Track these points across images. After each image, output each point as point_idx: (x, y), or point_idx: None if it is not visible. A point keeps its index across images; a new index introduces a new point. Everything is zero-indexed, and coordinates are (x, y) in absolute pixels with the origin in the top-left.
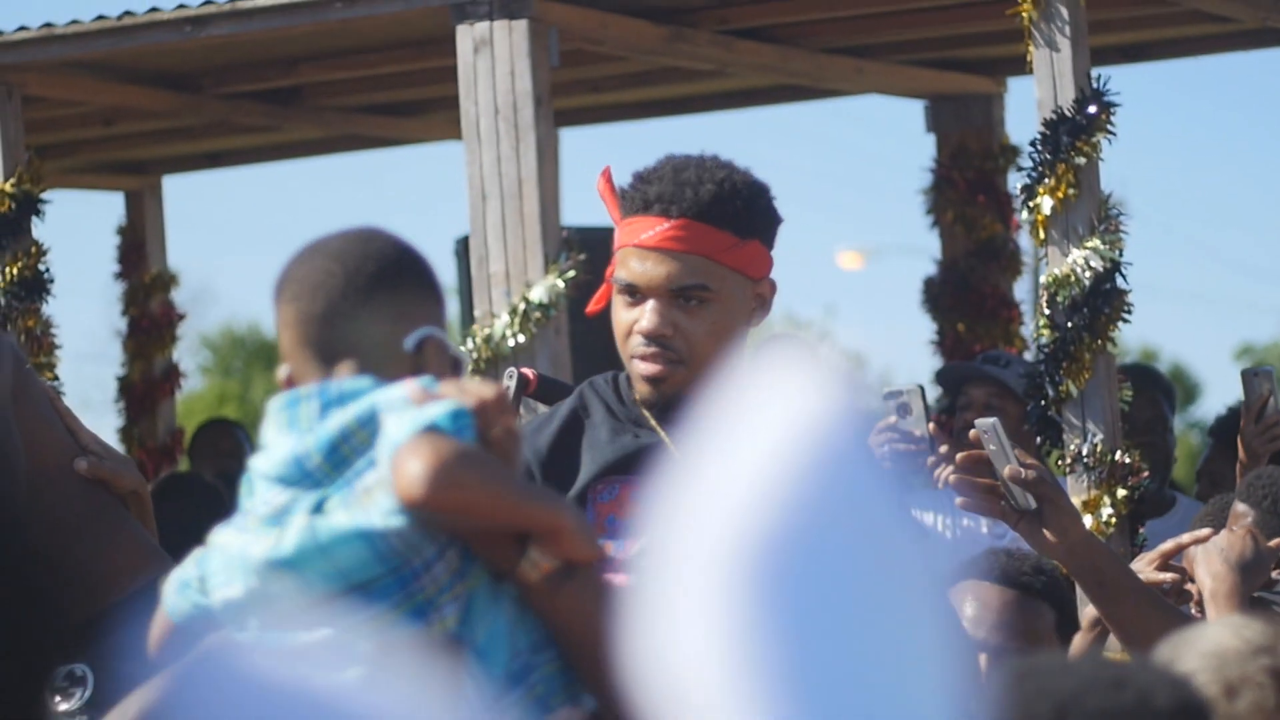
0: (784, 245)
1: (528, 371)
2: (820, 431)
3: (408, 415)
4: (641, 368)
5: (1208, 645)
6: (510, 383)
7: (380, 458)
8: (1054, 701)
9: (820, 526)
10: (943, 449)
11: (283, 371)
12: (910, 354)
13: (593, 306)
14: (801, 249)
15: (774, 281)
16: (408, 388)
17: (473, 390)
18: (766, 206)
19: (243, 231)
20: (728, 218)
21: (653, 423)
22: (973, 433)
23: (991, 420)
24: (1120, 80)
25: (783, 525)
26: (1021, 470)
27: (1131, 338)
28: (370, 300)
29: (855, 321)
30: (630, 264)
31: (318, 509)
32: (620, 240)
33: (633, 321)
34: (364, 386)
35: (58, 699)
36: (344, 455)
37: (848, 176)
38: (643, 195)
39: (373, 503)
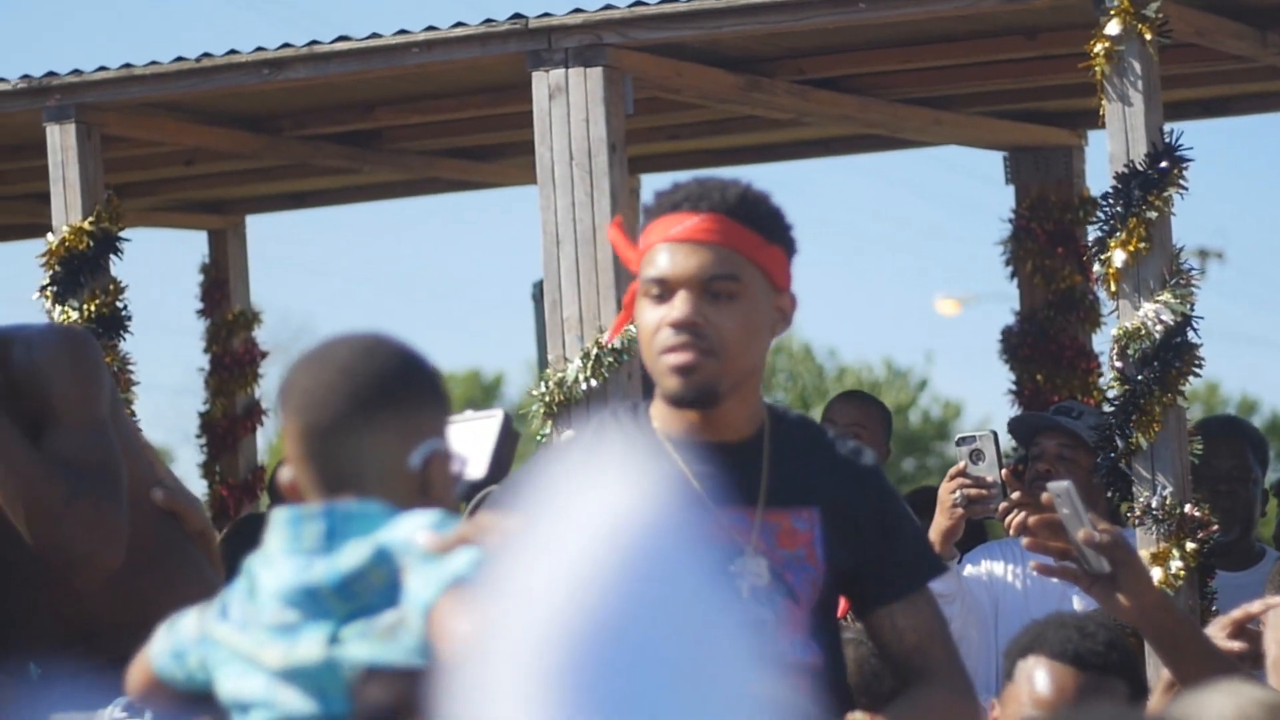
0: (880, 291)
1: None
2: (640, 524)
3: (432, 571)
4: (671, 359)
5: (1209, 714)
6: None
7: (410, 613)
8: None
9: (637, 619)
10: (1014, 496)
11: (285, 475)
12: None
13: (609, 336)
14: (898, 295)
15: (795, 297)
16: (420, 534)
17: (485, 530)
18: (789, 225)
19: (327, 270)
20: (754, 218)
21: (670, 451)
22: (1045, 496)
23: (1066, 484)
24: (1210, 131)
25: (601, 617)
26: (1096, 534)
27: (1232, 388)
28: (375, 418)
29: (953, 368)
30: (659, 260)
31: (333, 639)
32: (646, 242)
33: (660, 318)
34: (372, 512)
35: None
36: (356, 592)
37: (938, 224)
38: (670, 199)
39: (395, 640)
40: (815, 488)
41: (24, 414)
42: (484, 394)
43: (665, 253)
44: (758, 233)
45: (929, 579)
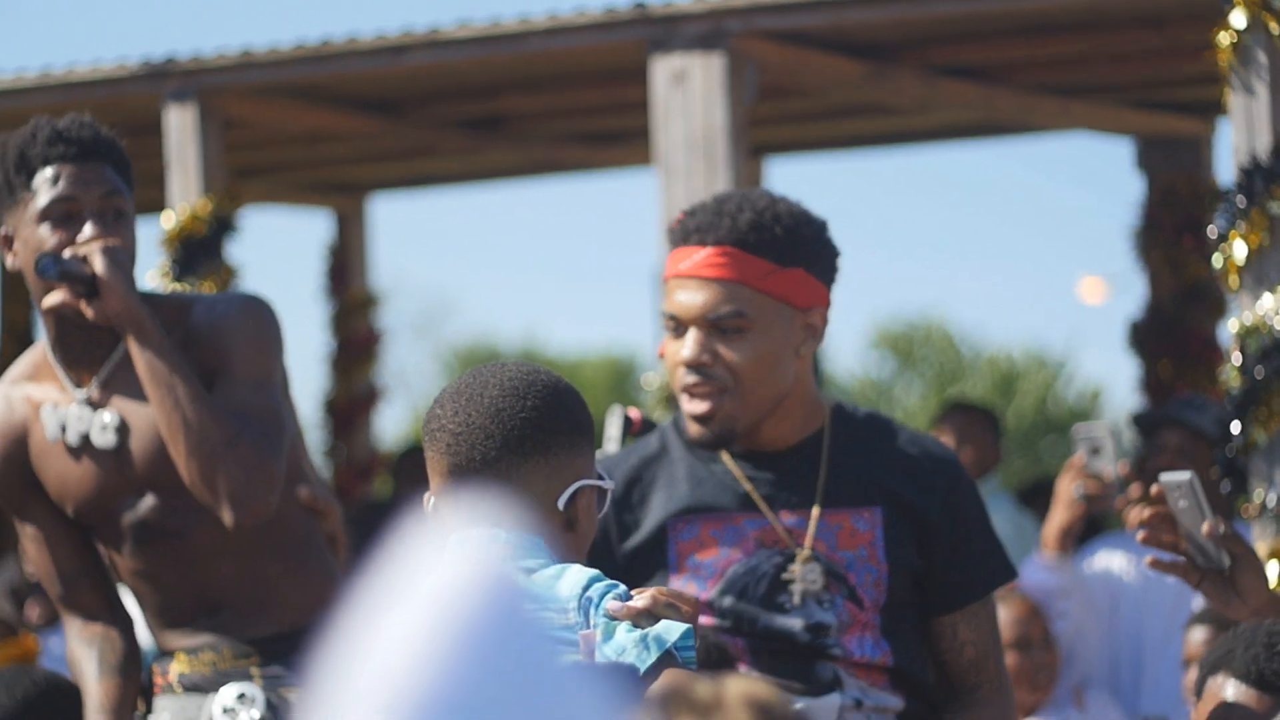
0: (1019, 275)
1: (633, 413)
2: (475, 597)
3: (637, 636)
4: (688, 407)
5: None
6: (615, 422)
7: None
8: None
9: (478, 695)
10: (1133, 491)
11: (430, 501)
12: (1114, 389)
13: (660, 349)
14: (1037, 279)
15: (824, 312)
16: (609, 601)
17: (683, 602)
18: (813, 236)
19: (451, 252)
20: (765, 245)
21: (727, 459)
22: (1156, 488)
23: (1187, 475)
24: None
25: (439, 694)
26: (1221, 527)
27: None
28: (525, 462)
29: (1096, 352)
30: (672, 295)
31: None
32: (666, 273)
33: (676, 356)
34: (532, 544)
35: (225, 715)
36: None
37: (1070, 209)
38: (684, 227)
39: None
40: (879, 486)
41: (199, 368)
42: (618, 379)
43: (676, 289)
44: (770, 260)
45: (995, 587)
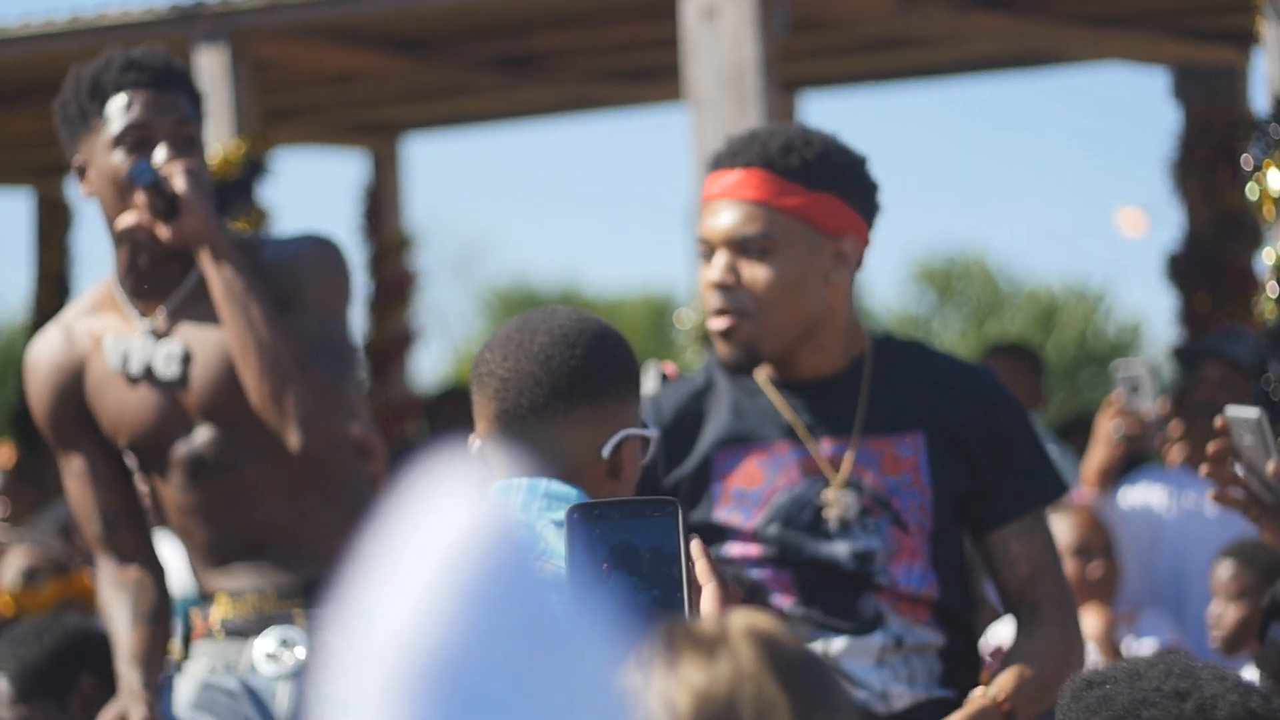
0: (1057, 207)
1: (669, 368)
2: (481, 550)
3: None
4: (712, 324)
5: None
6: (652, 378)
7: None
8: (1113, 712)
9: (483, 648)
10: (1173, 427)
11: (475, 444)
12: (1152, 320)
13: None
14: (1076, 211)
15: (858, 240)
16: None
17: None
18: (846, 164)
19: (487, 191)
20: (795, 169)
21: (768, 388)
22: (1219, 421)
23: (1256, 412)
24: None
25: (445, 647)
26: None
27: None
28: (572, 410)
29: (1136, 284)
30: (704, 219)
31: None
32: (701, 198)
33: (706, 277)
34: (569, 495)
35: (268, 659)
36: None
37: (1108, 140)
38: (719, 153)
39: None
40: (920, 411)
41: (271, 300)
42: (655, 318)
43: (707, 213)
44: (798, 183)
45: (1047, 500)
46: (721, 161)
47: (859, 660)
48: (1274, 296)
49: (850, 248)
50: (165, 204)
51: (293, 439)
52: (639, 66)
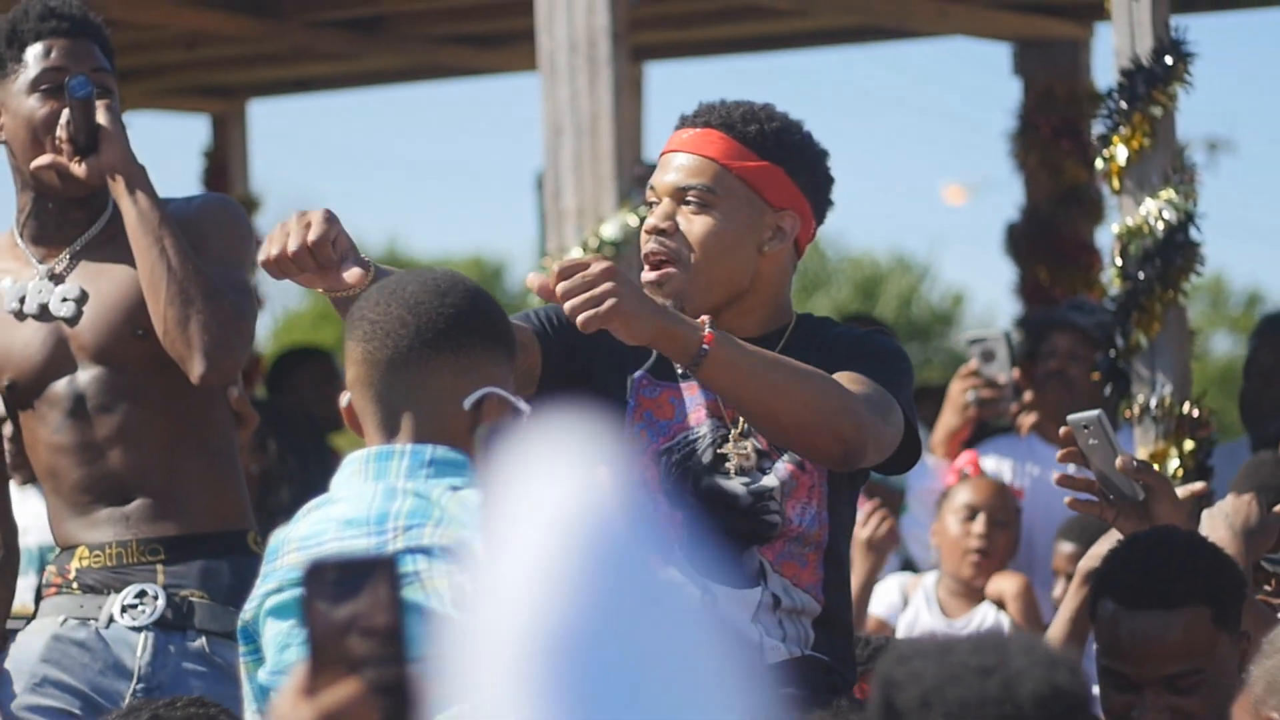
0: (887, 179)
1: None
2: (595, 519)
3: None
4: (644, 275)
5: None
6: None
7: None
8: (919, 689)
9: (603, 616)
10: (1026, 396)
11: (344, 399)
12: (1011, 296)
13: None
14: (904, 183)
15: (797, 218)
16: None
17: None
18: (803, 147)
19: (330, 156)
20: (751, 136)
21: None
22: (1064, 430)
23: (1096, 413)
24: (1223, 24)
25: (568, 616)
26: (1134, 461)
27: (1240, 281)
28: (436, 356)
29: (959, 257)
30: (656, 173)
31: None
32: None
33: (647, 224)
34: (459, 461)
35: (123, 611)
36: (420, 538)
37: (944, 114)
38: (683, 116)
39: (435, 591)
40: (819, 366)
41: None
42: (486, 280)
43: (660, 166)
44: (750, 148)
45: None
46: (684, 122)
47: (738, 611)
48: (1120, 268)
49: (789, 225)
50: (86, 134)
51: (196, 367)
52: (486, 32)
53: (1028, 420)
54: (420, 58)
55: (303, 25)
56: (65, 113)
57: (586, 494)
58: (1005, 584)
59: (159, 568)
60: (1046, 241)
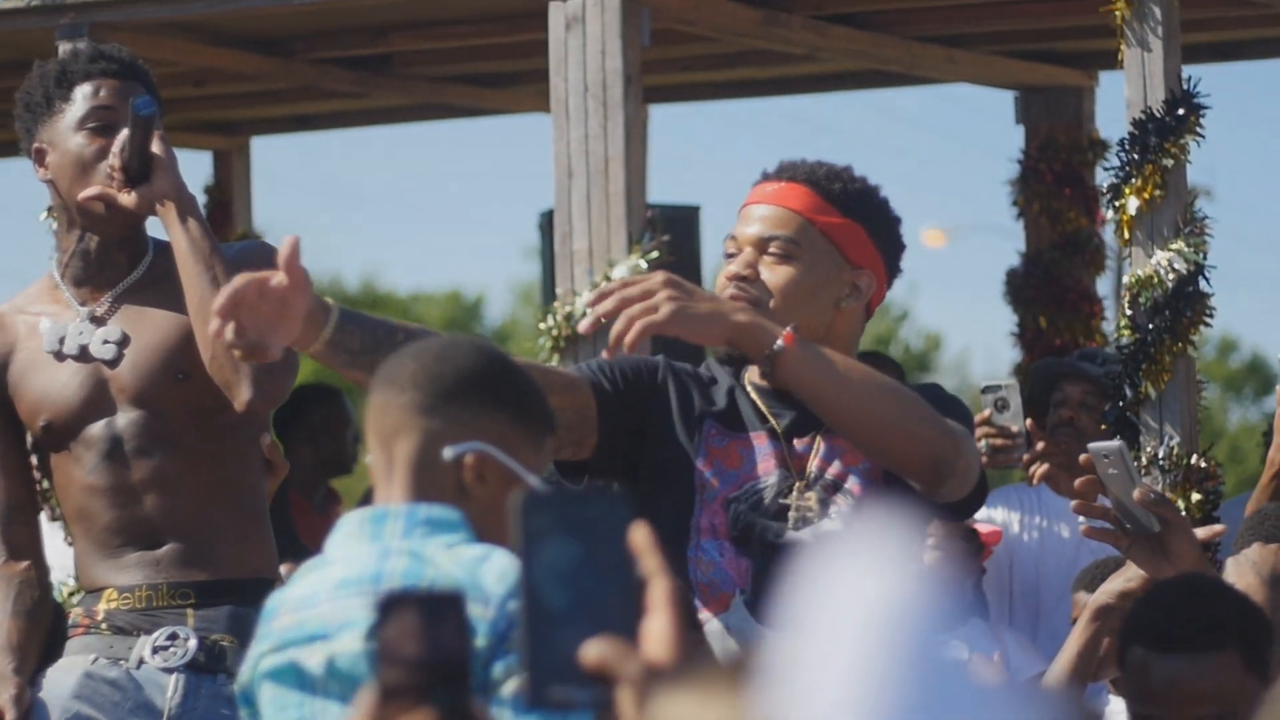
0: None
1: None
2: (903, 611)
3: None
4: None
5: None
6: None
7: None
8: None
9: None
10: (1039, 446)
11: (368, 459)
12: (989, 338)
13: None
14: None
15: (873, 278)
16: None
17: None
18: (882, 207)
19: (331, 194)
20: (834, 193)
21: (753, 394)
22: (1085, 457)
23: (1117, 444)
24: (1212, 77)
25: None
26: (1152, 493)
27: (1212, 327)
28: (432, 404)
29: (936, 301)
30: (737, 224)
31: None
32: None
33: (725, 272)
34: (452, 519)
35: (155, 653)
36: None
37: (935, 159)
38: (766, 170)
39: None
40: None
41: None
42: (465, 315)
43: (741, 220)
44: (832, 204)
45: None
46: (767, 176)
47: None
48: (1130, 318)
49: (865, 284)
50: (141, 157)
51: (243, 393)
52: (492, 73)
53: (1040, 470)
54: (427, 97)
55: (310, 63)
56: (117, 142)
57: (894, 593)
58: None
59: (189, 611)
60: (1047, 288)
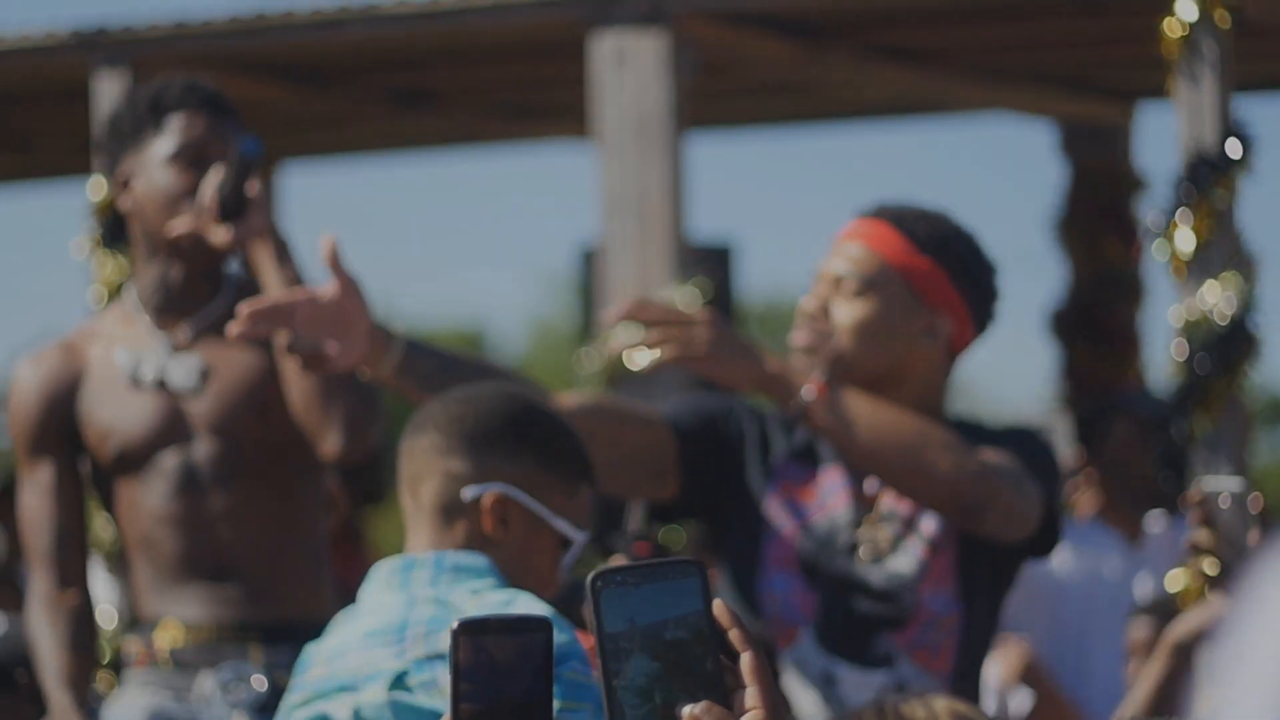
0: None
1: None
2: None
3: None
4: (795, 340)
5: None
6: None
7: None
8: None
9: None
10: (1086, 475)
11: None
12: (1027, 373)
13: None
14: None
15: (955, 325)
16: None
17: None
18: (970, 252)
19: (361, 223)
20: (917, 234)
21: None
22: (1195, 494)
23: (1238, 482)
24: (1262, 110)
25: None
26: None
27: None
28: (451, 451)
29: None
30: (825, 258)
31: (399, 683)
32: None
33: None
34: (479, 565)
35: (222, 690)
36: (439, 645)
37: (974, 192)
38: (859, 210)
39: None
40: None
41: None
42: (468, 346)
43: (831, 249)
44: (915, 245)
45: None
46: (859, 213)
47: (860, 694)
48: (1182, 357)
49: (943, 327)
50: (238, 196)
51: (333, 441)
52: (525, 104)
53: (1087, 504)
54: (467, 127)
55: (349, 95)
56: (212, 177)
57: None
58: (1011, 656)
59: (254, 649)
60: (1087, 324)
